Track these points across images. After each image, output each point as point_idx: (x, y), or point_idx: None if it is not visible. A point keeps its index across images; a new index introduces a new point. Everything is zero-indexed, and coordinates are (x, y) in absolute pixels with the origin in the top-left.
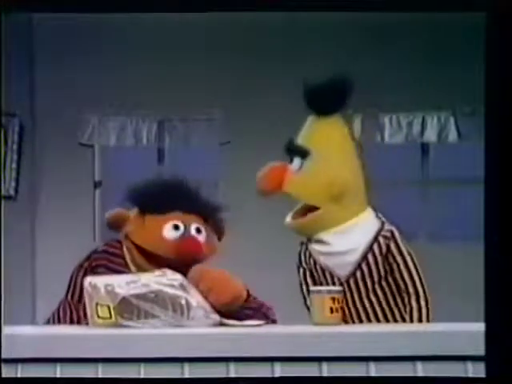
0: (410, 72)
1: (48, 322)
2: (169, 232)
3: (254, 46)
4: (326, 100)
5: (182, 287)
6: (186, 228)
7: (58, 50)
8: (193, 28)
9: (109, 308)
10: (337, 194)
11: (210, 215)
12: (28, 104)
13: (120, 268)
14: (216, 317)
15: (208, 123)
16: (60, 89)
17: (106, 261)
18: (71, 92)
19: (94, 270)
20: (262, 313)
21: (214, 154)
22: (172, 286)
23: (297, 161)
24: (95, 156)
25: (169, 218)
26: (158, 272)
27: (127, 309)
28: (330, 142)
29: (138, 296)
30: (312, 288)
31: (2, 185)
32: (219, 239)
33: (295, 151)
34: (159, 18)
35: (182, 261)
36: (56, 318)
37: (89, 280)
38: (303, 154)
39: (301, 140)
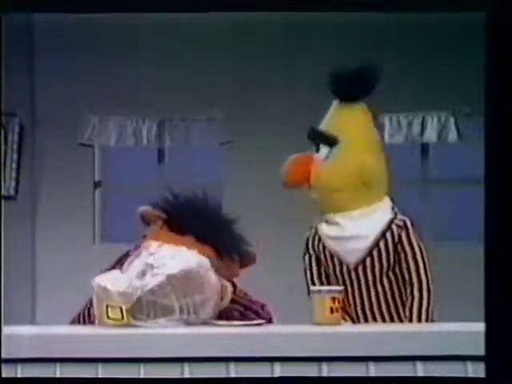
0: (410, 72)
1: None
2: None
3: (254, 46)
4: (353, 86)
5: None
6: None
7: (58, 49)
8: (193, 28)
9: (121, 309)
10: (366, 181)
11: (225, 251)
12: (28, 104)
13: None
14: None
15: (208, 123)
16: (60, 89)
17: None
18: (71, 92)
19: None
20: (254, 311)
21: (215, 154)
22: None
23: (324, 150)
24: (95, 156)
25: (181, 242)
26: (154, 248)
27: (140, 309)
28: (356, 129)
29: (151, 291)
30: (312, 288)
31: (2, 185)
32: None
33: (322, 139)
34: (159, 18)
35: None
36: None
37: (98, 281)
38: (331, 142)
39: (326, 127)
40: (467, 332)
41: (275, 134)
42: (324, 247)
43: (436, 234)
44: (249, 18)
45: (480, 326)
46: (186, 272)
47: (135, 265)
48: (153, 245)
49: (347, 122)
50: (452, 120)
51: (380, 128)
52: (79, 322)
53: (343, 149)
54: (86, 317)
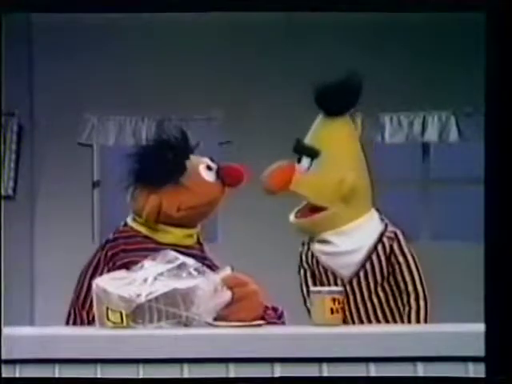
0: (410, 71)
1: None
2: (206, 174)
3: (254, 46)
4: (337, 101)
5: (196, 271)
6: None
7: (58, 49)
8: (193, 28)
9: (121, 314)
10: (345, 194)
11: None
12: (27, 103)
13: (139, 246)
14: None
15: (208, 123)
16: (59, 88)
17: (123, 245)
18: (70, 91)
19: (112, 259)
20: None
21: (214, 153)
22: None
23: (306, 161)
24: (94, 156)
25: (196, 163)
26: (170, 258)
27: (141, 314)
28: (339, 143)
29: (155, 299)
30: (312, 288)
31: (1, 184)
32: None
33: (304, 151)
34: (159, 17)
35: (228, 188)
36: (71, 319)
37: (97, 283)
38: (313, 154)
39: (310, 140)
40: (467, 333)
41: (275, 133)
42: (318, 262)
43: (436, 233)
44: (249, 18)
45: (480, 327)
46: (195, 287)
47: (145, 269)
48: (170, 253)
49: (330, 135)
50: (453, 119)
51: (371, 135)
52: (74, 317)
53: (324, 162)
54: (78, 313)
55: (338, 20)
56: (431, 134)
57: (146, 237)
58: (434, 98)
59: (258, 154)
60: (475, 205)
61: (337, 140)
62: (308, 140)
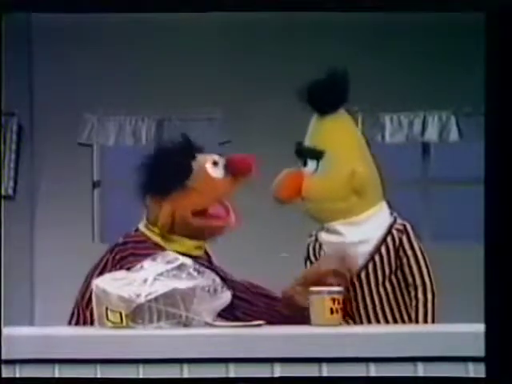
0: (410, 71)
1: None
2: (213, 171)
3: (254, 46)
4: (328, 97)
5: (195, 271)
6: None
7: (57, 49)
8: (193, 28)
9: (121, 314)
10: (357, 187)
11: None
12: (27, 103)
13: (149, 252)
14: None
15: (208, 123)
16: (59, 88)
17: (132, 249)
18: (70, 91)
19: (120, 262)
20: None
21: (214, 153)
22: (182, 271)
23: (311, 163)
24: (94, 156)
25: (203, 160)
26: (169, 258)
27: (141, 314)
28: (340, 138)
29: (154, 300)
30: (312, 289)
31: (1, 185)
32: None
33: (308, 154)
34: (159, 17)
35: (238, 180)
36: (74, 319)
37: (96, 283)
38: (317, 155)
39: (311, 141)
40: (467, 333)
41: (275, 133)
42: (325, 254)
43: (436, 233)
44: (249, 18)
45: (480, 327)
46: (195, 287)
47: (145, 270)
48: (170, 254)
49: (330, 133)
50: (453, 119)
51: (373, 129)
52: (77, 317)
53: (330, 160)
54: (82, 313)
55: (338, 20)
56: (431, 134)
57: (155, 244)
58: (434, 98)
59: (258, 153)
60: (475, 205)
61: (338, 136)
62: (308, 142)
